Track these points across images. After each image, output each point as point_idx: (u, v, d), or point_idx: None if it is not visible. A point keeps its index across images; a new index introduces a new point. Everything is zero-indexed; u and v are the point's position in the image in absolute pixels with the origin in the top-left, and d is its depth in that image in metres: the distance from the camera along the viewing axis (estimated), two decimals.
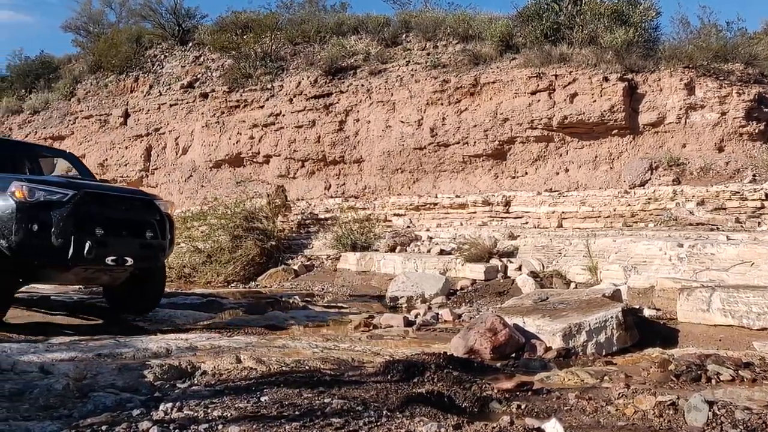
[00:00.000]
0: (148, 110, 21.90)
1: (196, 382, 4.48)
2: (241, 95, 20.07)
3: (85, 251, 6.96)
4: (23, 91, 25.57)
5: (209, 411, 3.62)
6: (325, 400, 3.77)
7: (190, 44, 23.37)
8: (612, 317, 6.10)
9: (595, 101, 15.09)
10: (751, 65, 15.23)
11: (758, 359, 5.07)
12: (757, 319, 6.07)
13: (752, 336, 5.94)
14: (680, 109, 14.61)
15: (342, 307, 10.16)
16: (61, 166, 10.95)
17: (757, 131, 14.21)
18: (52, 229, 6.88)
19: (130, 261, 7.48)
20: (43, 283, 8.27)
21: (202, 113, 20.65)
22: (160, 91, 22.18)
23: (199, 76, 21.88)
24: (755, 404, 3.82)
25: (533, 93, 15.73)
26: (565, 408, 3.94)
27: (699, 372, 4.72)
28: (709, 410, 3.49)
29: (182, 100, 21.33)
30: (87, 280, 8.02)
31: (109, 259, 7.24)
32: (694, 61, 14.91)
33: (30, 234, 6.80)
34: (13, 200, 6.81)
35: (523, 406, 3.94)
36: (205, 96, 20.89)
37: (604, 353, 5.88)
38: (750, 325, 6.09)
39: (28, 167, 9.07)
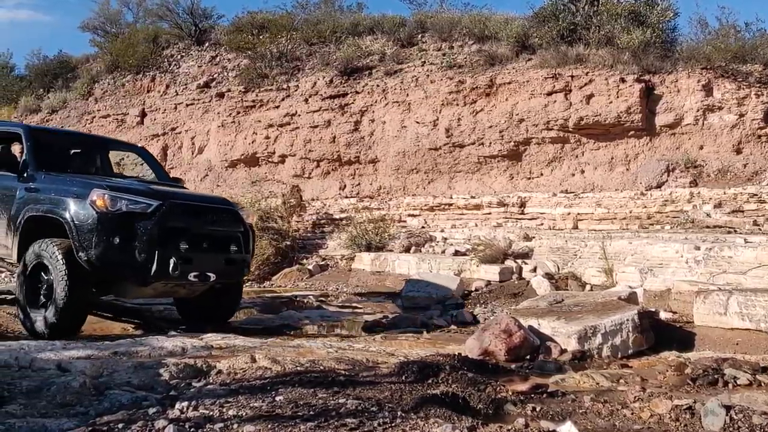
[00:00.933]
0: (165, 110, 22.03)
1: (211, 381, 4.50)
2: (256, 95, 20.14)
3: (170, 269, 6.58)
4: (41, 90, 25.78)
5: (224, 410, 3.63)
6: (340, 401, 3.77)
7: (207, 44, 23.48)
8: (627, 320, 6.06)
9: (611, 102, 15.01)
10: None
11: None
12: None
13: None
14: (698, 110, 14.50)
15: (356, 308, 10.17)
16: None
17: None
18: (135, 243, 6.46)
19: (212, 277, 7.03)
20: (114, 295, 7.86)
21: (218, 113, 20.74)
22: (176, 90, 22.30)
23: (215, 76, 21.98)
24: None
25: (549, 94, 15.66)
26: (581, 411, 3.93)
27: (716, 376, 4.68)
28: (726, 415, 3.46)
29: (198, 99, 21.43)
30: (163, 294, 7.60)
31: (191, 276, 6.79)
32: (712, 62, 14.79)
33: (111, 247, 6.38)
34: (94, 209, 6.40)
35: (537, 409, 3.93)
36: (221, 96, 20.98)
37: (619, 356, 5.85)
38: None
39: (99, 162, 8.72)
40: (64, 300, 6.31)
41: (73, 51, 38.81)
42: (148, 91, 23.11)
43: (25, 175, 7.06)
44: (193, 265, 6.76)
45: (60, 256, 6.39)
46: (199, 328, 7.06)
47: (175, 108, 21.82)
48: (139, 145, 21.80)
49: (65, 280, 6.33)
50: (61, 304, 6.31)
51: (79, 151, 8.66)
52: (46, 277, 6.53)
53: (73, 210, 6.48)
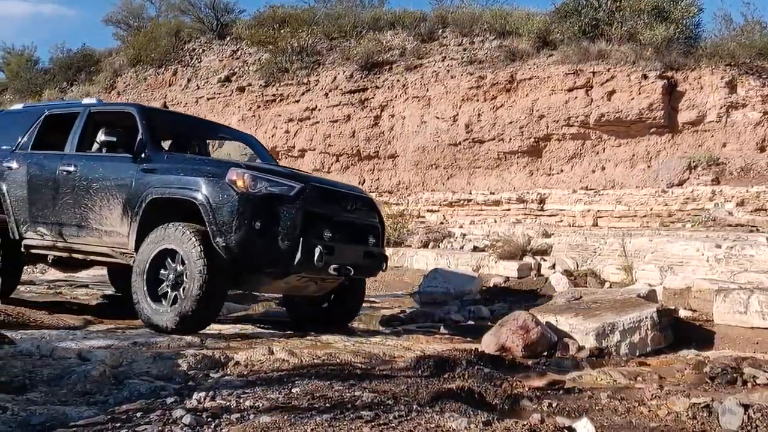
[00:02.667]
0: (186, 103, 22.16)
1: (228, 372, 4.53)
2: (277, 89, 20.21)
3: (315, 258, 5.82)
4: (65, 83, 26.05)
5: (241, 401, 3.66)
6: (356, 393, 3.78)
7: (228, 38, 23.59)
8: (646, 317, 6.02)
9: (633, 99, 14.90)
10: None
11: None
12: None
13: None
14: (721, 107, 14.36)
15: (374, 302, 10.18)
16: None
17: None
18: (279, 229, 5.75)
19: (351, 271, 6.30)
20: (241, 290, 7.05)
21: (239, 107, 20.85)
22: (197, 84, 22.43)
23: (236, 70, 22.08)
24: None
25: (570, 90, 15.58)
26: (597, 408, 3.91)
27: (735, 375, 4.64)
28: (744, 413, 3.43)
29: (219, 93, 21.55)
30: (294, 290, 6.75)
31: (331, 268, 6.04)
32: (737, 59, 14.63)
33: (252, 233, 5.68)
34: (234, 190, 5.72)
35: (554, 405, 3.91)
36: (241, 90, 21.07)
37: (637, 354, 5.81)
38: None
39: (198, 149, 7.90)
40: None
41: (97, 45, 39.22)
42: (169, 85, 23.27)
43: (142, 155, 6.35)
44: (334, 257, 6.03)
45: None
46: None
47: (197, 102, 21.96)
48: None
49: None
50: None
51: (182, 134, 7.90)
52: (173, 266, 5.87)
53: (209, 191, 5.80)
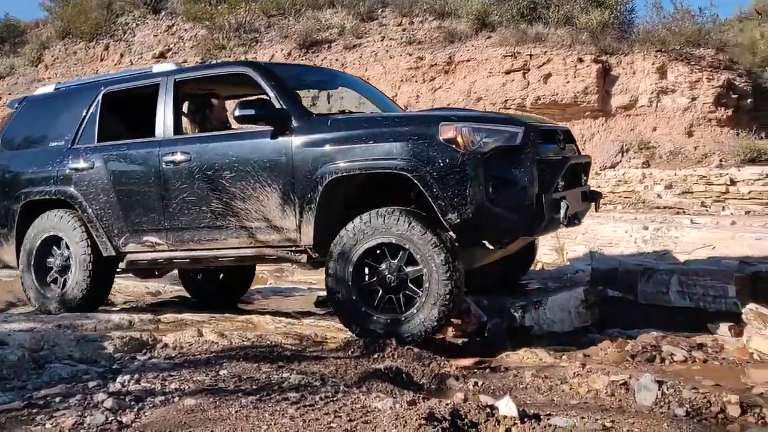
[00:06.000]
0: None
1: (156, 354, 4.49)
2: None
3: (561, 215, 4.76)
4: None
5: (167, 383, 3.63)
6: (284, 375, 3.79)
7: (163, 13, 23.00)
8: (574, 297, 6.17)
9: (569, 82, 15.18)
10: (721, 51, 15.40)
11: (711, 340, 5.20)
12: (713, 302, 6.20)
13: (708, 318, 6.06)
14: (652, 92, 14.77)
15: (312, 283, 10.15)
16: None
17: (725, 117, 14.42)
18: (515, 188, 4.65)
19: (579, 221, 5.40)
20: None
21: None
22: (131, 60, 21.82)
23: (171, 46, 21.57)
24: (702, 384, 3.92)
25: (507, 72, 15.77)
26: (521, 386, 4.00)
27: (654, 353, 4.81)
28: (658, 390, 3.57)
29: None
30: (500, 256, 5.50)
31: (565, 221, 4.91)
32: (667, 46, 15.04)
33: (487, 199, 4.55)
34: (456, 150, 4.55)
35: (479, 384, 3.99)
36: None
37: (565, 332, 5.95)
38: (707, 307, 6.21)
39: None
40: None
41: (22, 15, 37.67)
42: (101, 60, 22.56)
43: (292, 126, 5.08)
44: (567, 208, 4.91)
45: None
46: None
47: None
48: None
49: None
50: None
51: (304, 89, 6.54)
52: (389, 263, 4.73)
53: (423, 157, 4.59)
